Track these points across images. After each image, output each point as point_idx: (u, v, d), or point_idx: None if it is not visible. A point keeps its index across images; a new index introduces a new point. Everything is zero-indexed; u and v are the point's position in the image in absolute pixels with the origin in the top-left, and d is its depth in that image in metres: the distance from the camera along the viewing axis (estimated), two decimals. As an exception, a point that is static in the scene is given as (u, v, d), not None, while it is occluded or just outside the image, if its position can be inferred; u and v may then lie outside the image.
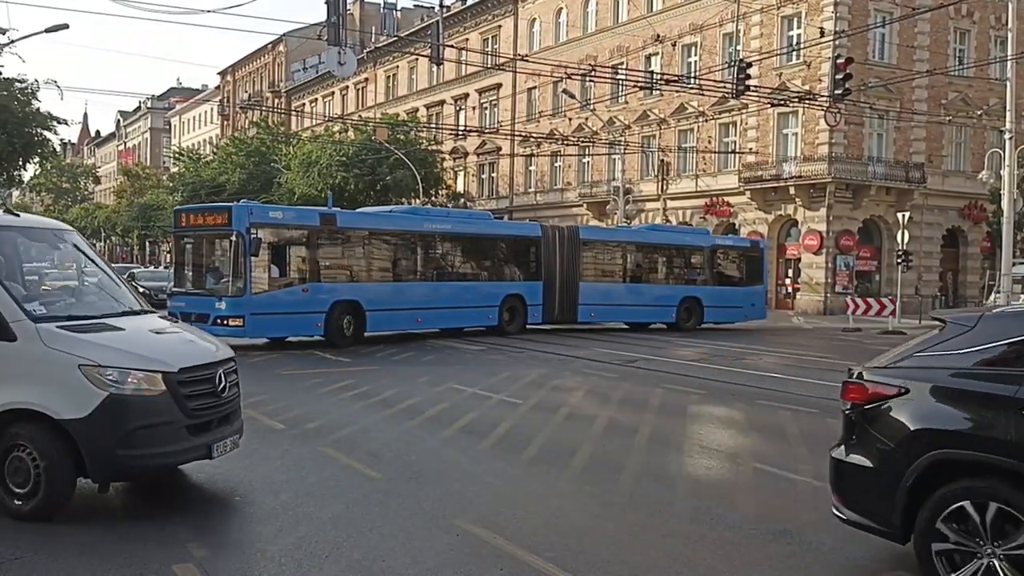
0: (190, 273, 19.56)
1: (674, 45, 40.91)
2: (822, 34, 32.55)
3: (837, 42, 32.60)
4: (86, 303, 7.70)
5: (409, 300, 21.29)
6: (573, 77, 38.95)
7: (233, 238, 17.58)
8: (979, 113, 35.67)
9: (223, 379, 6.87)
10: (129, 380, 6.19)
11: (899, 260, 30.65)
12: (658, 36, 41.06)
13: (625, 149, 40.60)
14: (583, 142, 44.23)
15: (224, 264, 18.36)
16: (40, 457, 6.07)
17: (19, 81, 29.46)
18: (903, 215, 30.77)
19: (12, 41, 22.74)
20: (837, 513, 5.59)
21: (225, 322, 17.36)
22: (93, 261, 8.17)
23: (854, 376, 5.62)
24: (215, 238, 18.64)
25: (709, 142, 39.89)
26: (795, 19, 36.40)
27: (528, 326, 24.20)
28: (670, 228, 32.15)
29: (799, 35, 35.80)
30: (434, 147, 49.86)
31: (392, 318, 21.00)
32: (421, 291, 21.70)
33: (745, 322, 28.45)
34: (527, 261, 24.70)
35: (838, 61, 24.63)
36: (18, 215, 8.08)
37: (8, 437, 6.17)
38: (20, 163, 32.24)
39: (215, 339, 7.62)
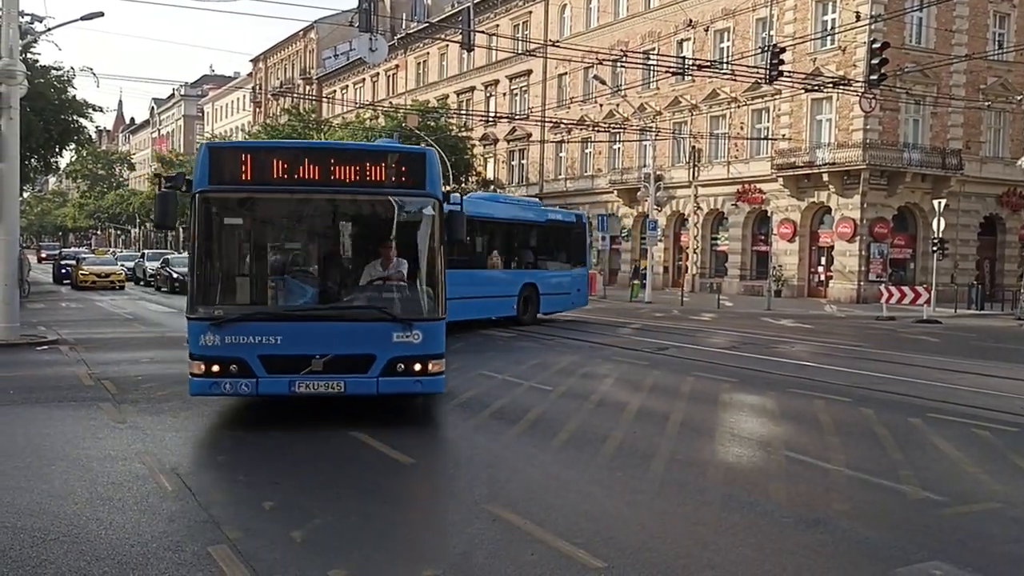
0: (290, 276, 10.15)
1: (706, 30, 40.50)
2: (858, 18, 32.09)
3: (873, 26, 32.11)
4: None
5: None
6: (604, 63, 38.78)
7: (428, 211, 9.56)
8: (1019, 98, 34.94)
9: None
10: None
11: (934, 248, 30.22)
12: (690, 21, 40.70)
13: (656, 135, 40.32)
14: (614, 128, 43.99)
15: (398, 258, 9.86)
16: None
17: (55, 69, 29.83)
18: (939, 202, 30.29)
19: (48, 29, 22.97)
20: None
21: (423, 369, 9.20)
22: None
23: None
24: (376, 209, 10.06)
25: (741, 128, 39.51)
26: (830, 3, 35.87)
27: None
28: (503, 199, 25.90)
29: (834, 19, 35.31)
30: (464, 134, 49.85)
31: None
32: None
33: (571, 310, 25.28)
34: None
35: (874, 46, 24.23)
36: None
37: None
38: (56, 150, 32.65)
39: None
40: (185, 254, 65.34)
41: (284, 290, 9.83)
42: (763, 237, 39.62)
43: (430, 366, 9.19)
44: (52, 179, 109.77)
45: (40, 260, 63.33)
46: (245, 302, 9.58)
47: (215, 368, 8.82)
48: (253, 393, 8.95)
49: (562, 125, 44.74)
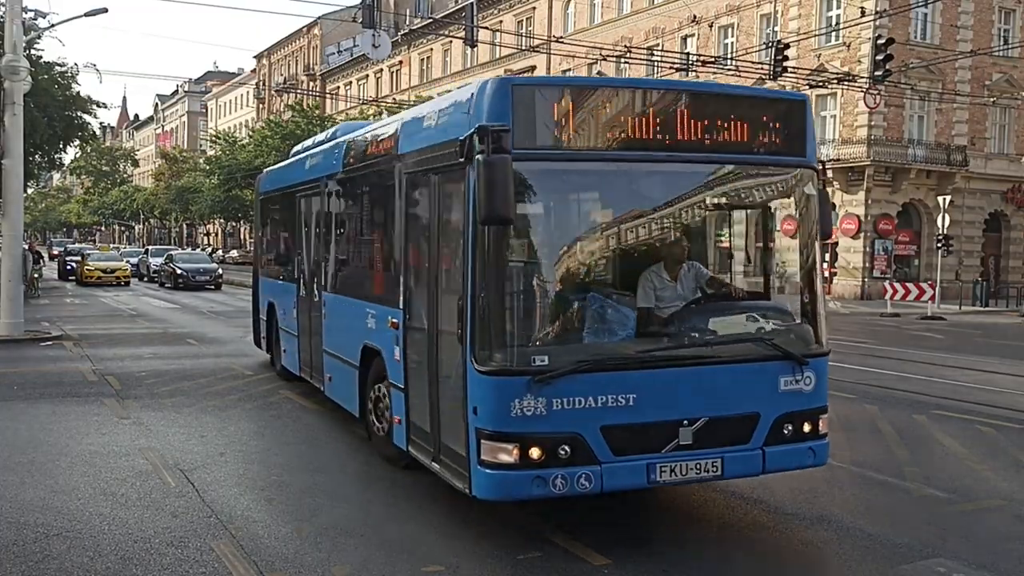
0: (614, 295, 6.13)
1: (710, 26, 40.42)
2: (863, 14, 31.94)
3: (878, 22, 32.01)
4: None
5: None
6: (608, 59, 38.65)
7: (808, 189, 6.60)
8: (1024, 94, 34.91)
9: None
10: None
11: (939, 244, 30.14)
12: (694, 17, 40.61)
13: (660, 132, 40.10)
14: (618, 125, 43.84)
15: (690, 261, 6.54)
16: None
17: (59, 65, 29.78)
18: (944, 199, 30.21)
19: (52, 25, 23.01)
20: None
21: (814, 429, 6.31)
22: None
23: None
24: (740, 187, 6.62)
25: (745, 124, 39.37)
26: (835, -1, 35.80)
27: None
28: None
29: (839, 15, 35.19)
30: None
31: None
32: None
33: None
34: None
35: (879, 42, 24.17)
36: None
37: None
38: (61, 146, 32.63)
39: None
40: (190, 250, 64.40)
41: (617, 319, 6.02)
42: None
43: (820, 425, 6.31)
44: (56, 175, 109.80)
45: (52, 257, 62.53)
46: (565, 340, 5.84)
47: (535, 453, 5.35)
48: (595, 491, 5.50)
49: (566, 121, 44.58)
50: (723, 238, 7.02)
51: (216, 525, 5.98)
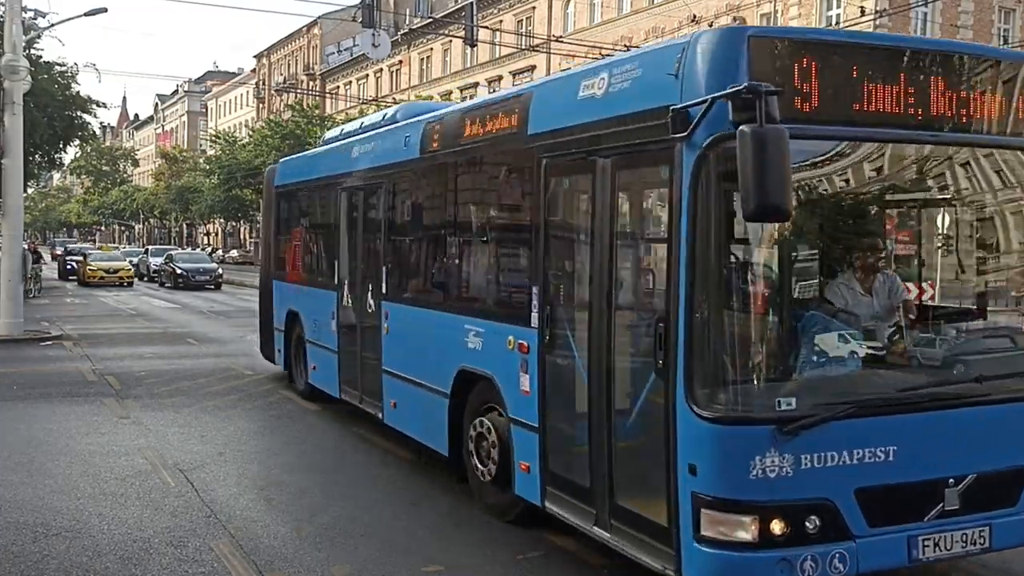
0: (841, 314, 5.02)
1: (710, 25, 40.27)
2: (862, 13, 31.99)
3: (878, 21, 32.03)
4: None
5: None
6: (608, 58, 38.75)
7: None
8: None
9: None
10: None
11: (940, 244, 30.16)
12: (694, 17, 40.54)
13: (660, 131, 40.17)
14: (618, 124, 43.83)
15: (885, 272, 6.10)
16: None
17: (59, 65, 29.80)
18: (944, 198, 30.25)
19: (52, 25, 23.03)
20: None
21: None
22: None
23: None
24: (976, 174, 5.77)
25: (745, 124, 39.42)
26: (835, -2, 35.83)
27: None
28: None
29: (839, 15, 35.21)
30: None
31: None
32: None
33: None
34: None
35: (879, 41, 24.17)
36: None
37: None
38: (61, 146, 32.62)
39: None
40: (190, 250, 64.08)
41: (854, 346, 4.83)
42: (767, 233, 39.59)
43: None
44: (56, 175, 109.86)
45: (54, 257, 62.27)
46: (807, 375, 4.62)
47: (778, 528, 4.13)
48: (851, 573, 4.26)
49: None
50: (945, 240, 6.15)
51: (215, 525, 5.98)
